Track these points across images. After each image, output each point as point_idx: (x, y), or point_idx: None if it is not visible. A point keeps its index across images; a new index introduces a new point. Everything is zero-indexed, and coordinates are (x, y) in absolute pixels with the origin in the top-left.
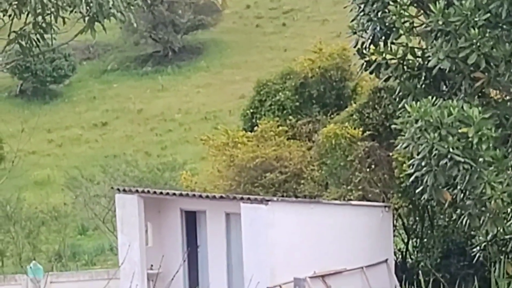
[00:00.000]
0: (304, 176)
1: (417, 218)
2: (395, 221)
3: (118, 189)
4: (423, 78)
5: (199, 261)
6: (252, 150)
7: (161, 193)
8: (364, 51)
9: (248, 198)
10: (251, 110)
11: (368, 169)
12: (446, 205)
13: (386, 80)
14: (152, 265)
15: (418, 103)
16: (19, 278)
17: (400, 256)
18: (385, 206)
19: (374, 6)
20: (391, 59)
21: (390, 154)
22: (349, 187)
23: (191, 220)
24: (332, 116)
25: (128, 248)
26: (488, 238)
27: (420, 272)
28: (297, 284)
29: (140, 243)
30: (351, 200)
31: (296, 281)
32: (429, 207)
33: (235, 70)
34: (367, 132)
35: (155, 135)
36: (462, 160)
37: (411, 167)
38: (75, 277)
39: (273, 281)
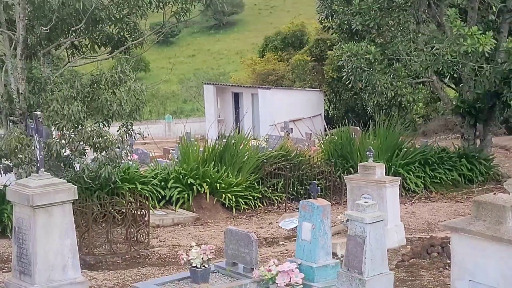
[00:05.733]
0: None
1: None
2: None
3: (206, 83)
4: None
5: (239, 116)
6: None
7: (223, 84)
8: None
9: (262, 87)
10: None
11: None
12: None
13: None
14: (219, 115)
15: None
16: None
17: (326, 112)
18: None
19: None
20: None
21: None
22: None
23: (236, 97)
24: None
25: (210, 109)
26: None
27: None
28: (285, 124)
29: (214, 107)
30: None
31: (285, 123)
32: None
33: None
34: None
35: None
36: None
37: None
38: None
39: (272, 123)
